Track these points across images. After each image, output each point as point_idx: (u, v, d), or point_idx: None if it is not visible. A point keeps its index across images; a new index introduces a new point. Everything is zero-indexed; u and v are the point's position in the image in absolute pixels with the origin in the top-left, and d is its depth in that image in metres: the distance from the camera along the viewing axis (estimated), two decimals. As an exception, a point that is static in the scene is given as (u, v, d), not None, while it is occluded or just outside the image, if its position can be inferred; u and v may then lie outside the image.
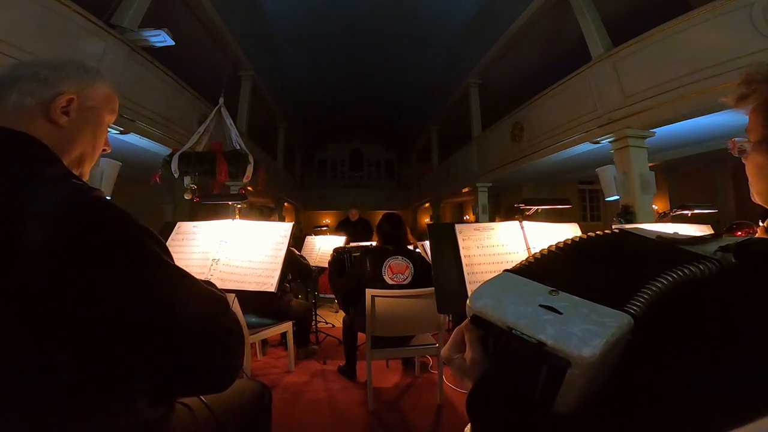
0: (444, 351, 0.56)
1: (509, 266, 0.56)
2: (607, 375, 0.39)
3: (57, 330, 0.58)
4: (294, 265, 3.63)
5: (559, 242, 0.57)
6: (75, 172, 0.80)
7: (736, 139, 0.69)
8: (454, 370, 0.54)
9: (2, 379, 0.58)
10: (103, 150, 0.91)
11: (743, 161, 0.69)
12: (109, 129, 0.93)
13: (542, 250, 0.57)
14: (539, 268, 0.53)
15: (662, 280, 0.39)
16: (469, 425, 0.60)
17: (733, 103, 0.66)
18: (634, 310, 0.38)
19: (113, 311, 0.60)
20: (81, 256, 0.59)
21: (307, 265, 3.96)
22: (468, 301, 0.51)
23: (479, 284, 0.53)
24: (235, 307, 2.36)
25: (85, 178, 0.84)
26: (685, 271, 0.40)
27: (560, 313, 0.42)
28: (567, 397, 0.39)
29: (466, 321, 0.53)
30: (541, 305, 0.44)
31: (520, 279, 0.51)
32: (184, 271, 0.72)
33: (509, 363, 0.45)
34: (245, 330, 2.60)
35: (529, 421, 0.41)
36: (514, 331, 0.44)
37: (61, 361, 0.59)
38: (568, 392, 0.39)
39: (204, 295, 0.73)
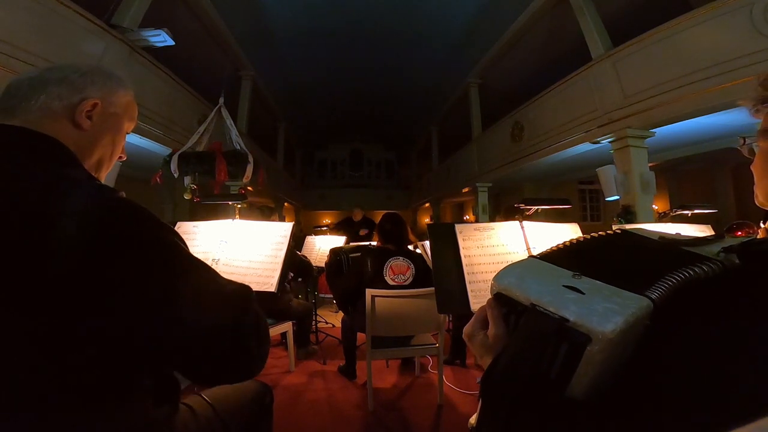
0: (467, 328, 0.57)
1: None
2: (621, 362, 0.39)
3: (83, 325, 0.59)
4: (296, 263, 3.64)
5: (564, 242, 0.58)
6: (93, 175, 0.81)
7: (747, 138, 0.68)
8: (475, 347, 0.55)
9: (31, 373, 0.58)
10: (119, 158, 0.92)
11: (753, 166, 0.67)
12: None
13: (562, 242, 0.58)
14: (562, 256, 0.54)
15: (670, 280, 0.40)
16: (474, 415, 0.60)
17: (751, 105, 0.64)
18: (655, 296, 0.39)
19: (138, 309, 0.61)
20: (110, 253, 0.60)
21: (308, 262, 3.96)
22: (492, 280, 0.53)
23: (479, 284, 0.54)
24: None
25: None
26: (688, 272, 0.40)
27: (583, 294, 0.43)
28: (583, 377, 0.40)
29: (489, 299, 0.54)
30: (564, 285, 0.45)
31: (544, 264, 0.53)
32: (206, 263, 0.75)
33: (530, 338, 0.45)
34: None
35: (541, 401, 0.41)
36: (537, 307, 0.45)
37: (86, 355, 0.60)
38: (585, 371, 0.40)
39: (229, 283, 0.77)
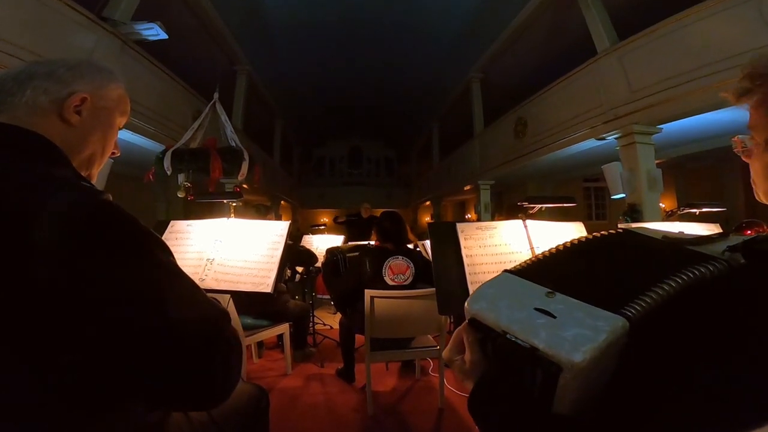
0: (445, 353, 0.58)
1: (512, 266, 0.57)
2: (606, 376, 0.39)
3: (61, 331, 0.58)
4: (297, 255, 3.65)
5: (565, 242, 0.58)
6: (84, 173, 0.81)
7: (740, 136, 0.68)
8: (455, 371, 0.56)
9: (16, 379, 0.58)
10: (113, 153, 0.92)
11: (745, 160, 0.68)
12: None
13: (546, 250, 0.58)
14: (539, 269, 0.54)
15: (669, 283, 0.40)
16: None
17: (734, 99, 0.64)
18: (631, 313, 0.39)
19: (115, 314, 0.60)
20: (88, 258, 0.59)
21: (309, 251, 3.96)
22: (466, 304, 0.53)
23: (481, 284, 0.54)
24: (231, 308, 2.36)
25: (93, 180, 0.85)
26: (693, 272, 0.40)
27: (554, 317, 0.43)
28: (564, 398, 0.40)
29: (464, 323, 0.55)
30: (536, 308, 0.45)
31: (518, 280, 0.52)
32: (189, 278, 0.73)
33: (507, 366, 0.46)
34: (241, 333, 2.60)
35: (528, 421, 0.41)
36: (508, 335, 0.45)
37: (63, 362, 0.59)
38: (564, 394, 0.40)
39: (207, 305, 0.74)
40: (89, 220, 0.62)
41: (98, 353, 0.61)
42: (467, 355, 0.53)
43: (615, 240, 0.55)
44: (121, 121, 0.92)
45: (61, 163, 0.73)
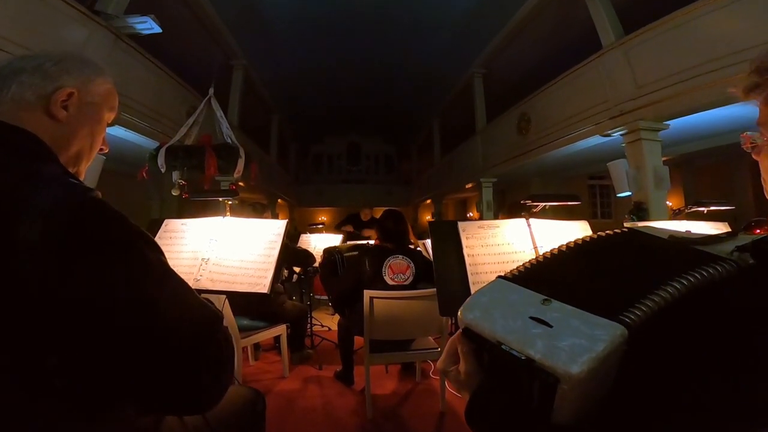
0: (439, 363, 0.58)
1: (515, 266, 0.57)
2: (607, 384, 0.39)
3: (47, 332, 0.58)
4: (294, 255, 3.66)
5: (568, 243, 0.57)
6: (71, 170, 0.81)
7: (749, 132, 0.67)
8: (450, 381, 0.56)
9: (3, 382, 0.58)
10: (101, 150, 0.91)
11: (755, 157, 0.67)
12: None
13: (544, 253, 0.57)
14: (534, 274, 0.54)
15: (674, 285, 0.39)
16: None
17: (742, 94, 0.64)
18: (630, 319, 0.38)
19: (102, 315, 0.60)
20: (74, 257, 0.59)
21: (306, 251, 3.97)
22: (459, 313, 0.52)
23: (483, 285, 0.54)
24: (226, 309, 2.36)
25: (81, 177, 0.85)
26: (700, 273, 0.40)
27: (551, 326, 0.42)
28: (563, 408, 0.40)
29: (458, 333, 0.54)
30: (531, 317, 0.45)
31: (512, 287, 0.52)
32: (180, 278, 0.73)
33: (503, 377, 0.46)
34: (236, 335, 2.60)
35: (528, 428, 0.41)
36: (503, 346, 0.45)
37: (50, 365, 0.59)
38: (563, 404, 0.40)
39: (199, 306, 0.74)
40: (76, 218, 0.62)
41: (86, 355, 0.60)
42: (462, 366, 0.53)
43: (618, 240, 0.55)
44: (110, 116, 0.91)
45: (49, 160, 0.73)
